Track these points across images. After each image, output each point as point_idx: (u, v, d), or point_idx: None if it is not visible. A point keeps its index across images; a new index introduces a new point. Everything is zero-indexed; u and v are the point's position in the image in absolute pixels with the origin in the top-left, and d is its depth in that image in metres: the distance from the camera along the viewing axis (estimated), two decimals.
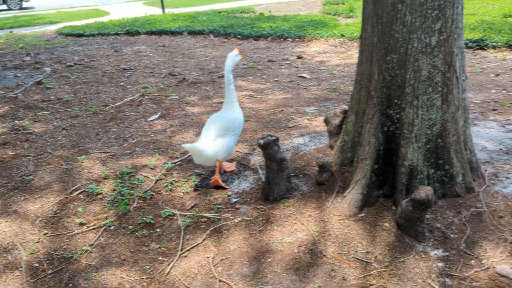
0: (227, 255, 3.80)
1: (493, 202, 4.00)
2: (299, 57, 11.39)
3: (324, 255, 3.68)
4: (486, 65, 9.07)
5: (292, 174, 4.71)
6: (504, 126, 5.77)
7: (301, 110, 7.21)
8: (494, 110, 6.47)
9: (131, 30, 16.83)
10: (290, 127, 6.36)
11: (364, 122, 4.06)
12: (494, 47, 10.09)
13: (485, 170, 4.52)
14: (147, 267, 3.71)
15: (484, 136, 5.50)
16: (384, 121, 3.95)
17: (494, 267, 3.41)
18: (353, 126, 4.26)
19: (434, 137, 3.90)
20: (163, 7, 23.53)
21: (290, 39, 13.83)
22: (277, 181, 4.32)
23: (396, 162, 3.97)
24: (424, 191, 3.52)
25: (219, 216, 4.28)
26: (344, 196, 4.12)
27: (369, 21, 3.90)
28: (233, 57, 4.79)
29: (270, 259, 3.71)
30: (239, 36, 14.85)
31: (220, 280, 3.53)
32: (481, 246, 3.61)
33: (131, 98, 8.19)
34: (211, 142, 4.54)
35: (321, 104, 7.45)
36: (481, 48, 10.26)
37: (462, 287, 3.28)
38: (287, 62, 11.00)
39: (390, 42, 3.74)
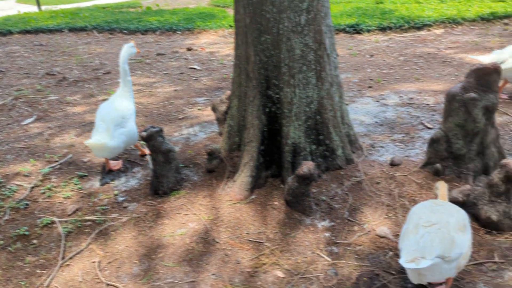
0: (115, 256, 3.56)
1: (371, 170, 4.27)
2: (189, 49, 11.21)
3: (217, 242, 3.62)
4: (362, 47, 9.74)
5: (182, 165, 4.58)
6: (378, 101, 6.22)
7: (192, 101, 7.07)
8: (370, 87, 6.95)
9: (2, 30, 15.20)
10: (180, 119, 6.20)
11: (246, 105, 4.07)
12: (368, 31, 10.87)
13: (363, 142, 4.81)
14: (23, 283, 3.33)
15: (362, 111, 5.88)
16: (265, 102, 3.99)
17: (374, 230, 3.64)
18: (237, 110, 4.25)
19: (312, 114, 4.03)
20: (38, 4, 21.63)
21: (179, 32, 13.56)
22: (165, 173, 4.15)
23: (280, 141, 4.05)
24: (307, 166, 3.63)
25: (105, 217, 4.00)
26: (235, 181, 4.10)
27: (240, 2, 3.89)
28: (128, 48, 4.64)
29: (162, 254, 3.55)
30: (125, 31, 14.18)
31: (108, 284, 3.29)
32: (362, 212, 3.83)
33: (2, 102, 7.37)
34: (112, 133, 4.34)
35: (212, 94, 7.39)
36: (357, 32, 11.01)
37: (347, 253, 3.45)
38: (177, 54, 10.76)
39: (262, 23, 3.78)
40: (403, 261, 2.57)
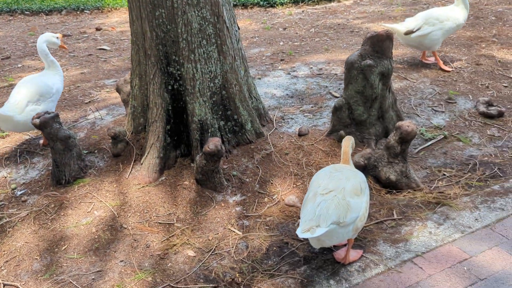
0: (13, 254, 3.31)
1: (280, 142, 4.32)
2: (98, 29, 10.57)
3: (125, 228, 3.49)
4: (276, 20, 9.78)
5: (86, 152, 4.33)
6: (289, 74, 6.29)
7: (100, 83, 6.70)
8: (282, 60, 7.01)
9: None
10: (86, 103, 5.85)
11: (147, 83, 3.90)
12: (282, 4, 10.92)
13: (274, 115, 4.85)
14: None
15: (274, 84, 5.91)
16: (167, 80, 3.85)
17: (283, 200, 3.71)
18: (139, 90, 4.07)
19: (217, 89, 3.97)
20: None
21: (87, 11, 12.72)
22: (66, 161, 3.90)
23: (187, 119, 3.95)
24: (213, 143, 3.58)
25: (1, 214, 3.70)
26: (142, 163, 3.96)
27: None
28: (50, 36, 4.57)
29: (66, 246, 3.36)
30: (27, 12, 13.04)
31: (4, 285, 3.06)
32: (272, 183, 3.88)
33: None
34: (22, 108, 4.19)
35: (122, 75, 7.04)
36: (272, 6, 11.02)
37: (257, 224, 3.49)
38: (85, 35, 10.10)
39: None
40: (299, 232, 2.63)
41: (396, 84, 5.55)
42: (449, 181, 3.82)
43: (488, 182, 3.77)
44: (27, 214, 3.67)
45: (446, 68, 5.78)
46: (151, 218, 3.57)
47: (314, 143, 4.27)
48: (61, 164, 3.90)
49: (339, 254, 3.10)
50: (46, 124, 3.74)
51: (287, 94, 5.59)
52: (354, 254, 3.09)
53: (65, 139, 3.84)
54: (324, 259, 3.12)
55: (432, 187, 3.76)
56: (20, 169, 4.31)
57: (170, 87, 3.87)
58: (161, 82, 3.80)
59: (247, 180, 3.93)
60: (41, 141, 4.68)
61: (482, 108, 4.73)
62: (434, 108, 4.96)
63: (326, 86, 5.75)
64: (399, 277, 2.90)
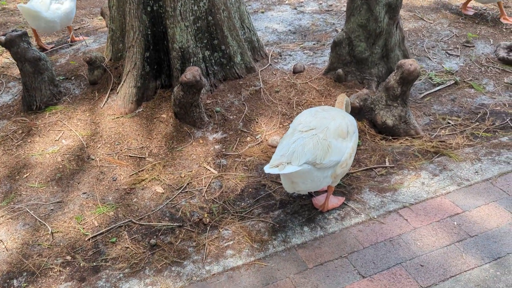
0: None
1: (272, 79, 3.95)
2: None
3: (93, 159, 3.25)
4: None
5: (62, 78, 4.03)
6: (296, 9, 5.78)
7: (94, 11, 6.30)
8: None
9: None
10: (76, 30, 5.49)
11: (125, 3, 3.50)
12: None
13: (271, 50, 4.44)
14: None
15: (277, 19, 5.43)
16: (146, 0, 3.44)
17: (267, 140, 3.40)
18: (117, 11, 3.68)
19: (202, 14, 3.56)
20: None
21: None
22: (37, 86, 3.62)
23: (167, 46, 3.58)
24: (191, 72, 3.23)
25: None
26: (118, 92, 3.65)
27: None
28: None
29: (27, 174, 3.15)
30: None
31: None
32: (257, 122, 3.55)
33: None
34: (48, 5, 4.38)
35: None
36: None
37: (235, 164, 3.20)
38: None
39: None
40: (267, 167, 2.32)
41: (410, 24, 5.03)
42: (453, 130, 3.44)
43: (496, 133, 3.37)
44: None
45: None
46: (122, 150, 3.32)
47: (308, 82, 3.88)
48: (31, 88, 3.62)
49: (318, 200, 2.81)
50: (13, 43, 3.43)
51: (290, 30, 5.13)
52: (334, 201, 2.80)
53: (34, 60, 3.53)
54: (302, 204, 2.84)
55: (433, 136, 3.39)
56: None
57: (149, 8, 3.48)
58: (138, 2, 3.40)
59: (231, 117, 3.60)
60: (69, 39, 4.94)
61: (502, 53, 4.23)
62: (448, 51, 4.47)
63: (333, 23, 5.25)
64: (380, 228, 2.62)
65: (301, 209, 2.81)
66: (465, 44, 4.55)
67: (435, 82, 3.98)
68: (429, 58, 4.36)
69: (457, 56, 4.38)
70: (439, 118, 3.59)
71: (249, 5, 5.96)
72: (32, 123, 3.56)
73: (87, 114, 3.62)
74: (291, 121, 3.52)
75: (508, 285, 2.23)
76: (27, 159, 3.26)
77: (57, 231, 2.73)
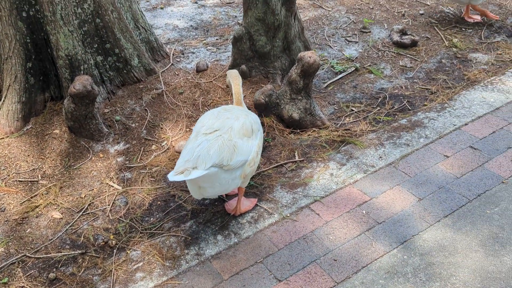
0: None
1: (174, 80, 3.77)
2: None
3: None
4: None
5: None
6: (196, 2, 5.59)
7: None
8: None
9: None
10: None
11: None
12: None
13: (172, 49, 4.23)
14: None
15: (177, 15, 5.22)
16: (19, 4, 3.07)
17: (173, 146, 3.23)
18: None
19: (88, 16, 3.27)
20: None
21: None
22: None
23: (52, 54, 3.25)
24: (80, 82, 2.95)
25: None
26: (0, 109, 3.26)
27: None
28: None
29: None
30: None
31: None
32: (161, 128, 3.37)
33: None
34: None
35: None
36: None
37: (141, 176, 3.00)
38: None
39: None
40: (171, 174, 2.18)
41: (310, 13, 5.08)
42: (357, 117, 3.52)
43: (396, 116, 3.51)
44: None
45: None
46: (9, 175, 2.97)
47: (213, 80, 3.75)
48: None
49: (230, 205, 2.72)
50: None
51: (191, 26, 4.95)
52: (247, 203, 2.73)
53: None
54: (214, 212, 2.73)
55: (339, 125, 3.44)
56: None
57: (24, 14, 3.11)
58: (11, 7, 3.02)
59: (133, 125, 3.38)
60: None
61: (395, 37, 4.42)
62: (347, 38, 4.58)
63: (235, 16, 5.16)
64: (293, 227, 2.59)
65: (213, 216, 2.70)
66: (362, 30, 4.70)
67: (337, 70, 4.05)
68: (330, 46, 4.44)
69: (356, 42, 4.50)
70: (343, 106, 3.66)
71: (148, 0, 5.67)
72: None
73: None
74: (194, 123, 3.37)
75: (415, 267, 2.31)
76: None
77: None
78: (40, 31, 3.20)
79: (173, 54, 4.17)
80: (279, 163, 3.08)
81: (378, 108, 3.62)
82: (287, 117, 3.36)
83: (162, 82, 3.68)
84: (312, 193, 2.81)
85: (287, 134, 3.38)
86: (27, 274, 2.39)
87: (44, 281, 2.36)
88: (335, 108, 3.66)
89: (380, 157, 3.08)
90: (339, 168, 3.01)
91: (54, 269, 2.42)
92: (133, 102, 3.55)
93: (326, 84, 3.91)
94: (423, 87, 3.82)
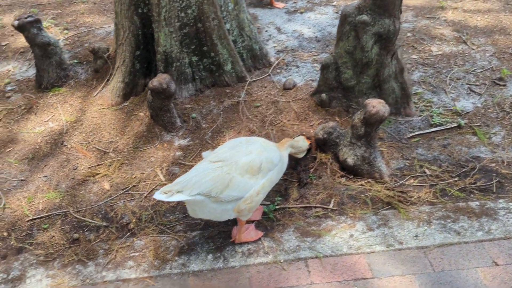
0: None
1: (259, 92, 3.89)
2: None
3: (65, 145, 3.57)
4: None
5: (76, 61, 4.40)
6: (338, 12, 5.49)
7: None
8: None
9: None
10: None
11: (115, 3, 3.68)
12: None
13: (280, 58, 4.33)
14: None
15: (310, 22, 5.23)
16: (136, 2, 3.58)
17: None
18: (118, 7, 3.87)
19: (191, 20, 3.60)
20: None
21: None
22: (45, 68, 4.02)
23: (154, 48, 3.71)
24: (158, 79, 3.33)
25: None
26: (108, 85, 3.90)
27: None
28: None
29: (10, 149, 3.57)
30: None
31: None
32: (224, 136, 3.57)
33: None
34: None
35: None
36: None
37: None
38: None
39: None
40: (157, 193, 2.38)
41: (447, 47, 4.53)
42: (424, 182, 3.12)
43: (472, 195, 3.00)
44: (1, 111, 3.94)
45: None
46: (92, 142, 3.59)
47: (291, 101, 3.76)
48: (41, 70, 4.03)
49: (235, 231, 2.81)
50: (24, 28, 3.82)
51: (316, 37, 4.93)
52: (252, 234, 2.78)
53: (43, 45, 3.91)
54: (222, 231, 2.86)
55: (398, 184, 3.12)
56: (24, 66, 4.58)
57: (140, 10, 3.62)
58: (129, 4, 3.56)
59: (204, 125, 3.67)
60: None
61: None
62: (472, 86, 3.97)
63: None
64: (278, 274, 2.55)
65: (218, 235, 2.84)
66: (496, 81, 4.00)
67: (433, 122, 3.60)
68: (445, 92, 3.93)
69: (480, 94, 3.88)
70: (416, 164, 3.27)
71: (295, 2, 5.79)
72: (34, 101, 3.98)
73: (79, 101, 3.94)
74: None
75: None
76: (17, 134, 3.69)
77: (9, 207, 3.10)
78: (149, 27, 3.68)
79: (277, 64, 4.28)
80: (308, 205, 3.00)
81: (457, 178, 3.13)
82: (342, 160, 3.20)
83: (244, 92, 3.85)
84: (319, 248, 2.69)
85: (337, 177, 3.22)
86: (61, 228, 2.94)
87: (69, 238, 2.87)
88: (407, 164, 3.30)
89: (416, 236, 2.72)
90: (364, 232, 2.77)
91: (81, 231, 2.92)
92: (214, 104, 3.82)
93: (411, 134, 3.53)
94: None
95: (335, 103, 3.63)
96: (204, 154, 2.74)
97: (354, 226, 2.82)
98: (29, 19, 3.81)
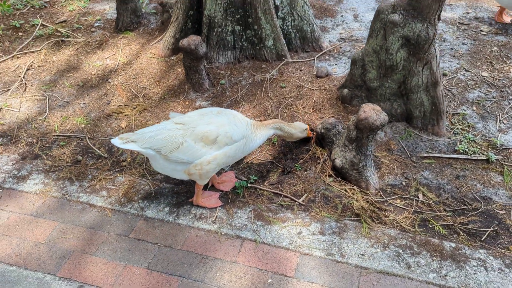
0: (45, 64, 4.34)
1: (291, 73, 3.86)
2: None
3: (109, 82, 4.04)
4: None
5: (153, 11, 4.83)
6: None
7: None
8: None
9: None
10: None
11: None
12: None
13: (337, 44, 4.21)
14: None
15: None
16: None
17: None
18: None
19: None
20: None
21: None
22: (121, 12, 4.52)
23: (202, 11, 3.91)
24: (188, 40, 3.55)
25: (72, 34, 4.72)
26: (162, 37, 4.25)
27: None
28: None
29: (71, 74, 4.18)
30: None
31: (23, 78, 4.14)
32: (239, 106, 3.67)
33: None
34: None
35: None
36: None
37: None
38: None
39: None
40: (117, 137, 2.62)
41: None
42: (409, 206, 2.87)
43: (455, 236, 2.68)
44: (81, 42, 4.59)
45: None
46: (132, 84, 4.00)
47: (316, 89, 3.67)
48: (118, 13, 4.55)
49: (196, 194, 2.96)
50: None
51: None
52: (212, 201, 2.92)
53: None
54: (193, 191, 3.04)
55: (382, 200, 2.92)
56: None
57: None
58: None
59: (228, 93, 3.82)
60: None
61: None
62: None
63: (445, 39, 4.45)
64: (212, 244, 2.67)
65: (185, 193, 3.03)
66: None
67: (459, 149, 3.21)
68: (496, 120, 3.43)
69: None
70: (414, 186, 3.01)
71: None
72: (107, 39, 4.54)
73: (138, 47, 4.37)
74: (266, 117, 3.52)
75: None
76: (81, 63, 4.29)
77: (48, 121, 3.71)
78: None
79: (329, 51, 4.17)
80: (280, 192, 3.00)
81: (450, 214, 2.82)
82: (332, 160, 3.10)
83: (276, 70, 3.86)
84: (262, 234, 2.72)
85: (325, 176, 3.13)
86: (73, 148, 3.44)
87: (74, 158, 3.34)
88: (403, 183, 3.05)
89: (362, 255, 2.57)
90: (314, 234, 2.71)
91: (85, 156, 3.37)
92: (247, 75, 3.92)
93: (426, 155, 3.21)
94: None
95: (356, 101, 3.45)
96: (171, 114, 2.91)
97: (308, 225, 2.77)
98: None
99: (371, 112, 2.73)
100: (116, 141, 2.61)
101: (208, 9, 3.78)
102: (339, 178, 3.08)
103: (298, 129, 3.03)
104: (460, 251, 2.58)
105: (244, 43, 3.93)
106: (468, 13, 4.91)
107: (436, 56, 3.08)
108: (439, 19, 2.90)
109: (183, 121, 2.69)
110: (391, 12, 2.99)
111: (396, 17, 2.93)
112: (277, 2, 3.83)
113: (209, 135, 2.63)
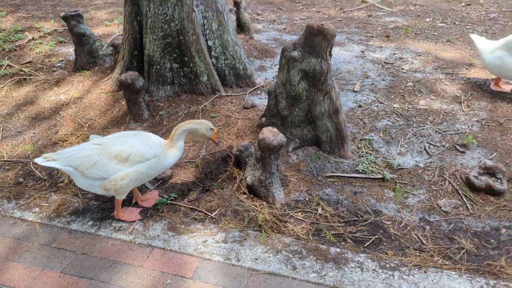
0: (5, 99, 4.77)
1: (222, 105, 4.29)
2: None
3: (60, 114, 4.46)
4: None
5: (110, 53, 5.34)
6: (363, 52, 5.54)
7: None
8: (387, 36, 6.08)
9: None
10: None
11: (124, 11, 4.46)
12: None
13: (265, 81, 4.67)
14: None
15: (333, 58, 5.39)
16: (136, 10, 4.31)
17: None
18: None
19: (174, 33, 4.20)
20: None
21: None
22: (78, 53, 5.02)
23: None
24: (125, 75, 4.01)
25: (35, 73, 5.19)
26: (112, 75, 4.72)
27: None
28: None
29: (26, 108, 4.61)
30: None
31: None
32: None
33: None
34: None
35: None
36: None
37: None
38: None
39: None
40: (40, 157, 2.99)
41: (439, 104, 4.34)
42: (308, 218, 3.20)
43: (343, 243, 3.00)
44: (42, 79, 5.05)
45: None
46: (79, 116, 4.42)
47: (241, 119, 4.09)
48: (76, 54, 5.05)
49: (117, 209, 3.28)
50: (66, 19, 4.86)
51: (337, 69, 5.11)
52: (132, 216, 3.24)
53: (78, 35, 4.91)
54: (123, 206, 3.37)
55: (286, 213, 3.26)
56: None
57: (138, 18, 4.35)
58: (131, 11, 4.31)
59: (165, 122, 4.23)
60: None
61: (473, 173, 3.38)
62: (430, 146, 3.80)
63: (369, 76, 4.94)
64: (124, 252, 2.97)
65: (111, 209, 3.36)
66: (458, 146, 3.76)
67: (359, 169, 3.59)
68: (398, 145, 3.84)
69: (430, 155, 3.71)
70: (315, 201, 3.36)
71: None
72: (64, 77, 5.01)
73: (90, 83, 4.84)
74: (194, 142, 3.91)
75: None
76: (37, 98, 4.73)
77: None
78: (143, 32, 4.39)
79: (262, 86, 4.63)
80: (196, 208, 3.33)
81: (343, 224, 3.15)
82: (244, 178, 3.46)
83: (209, 102, 4.30)
84: (171, 242, 3.03)
85: (239, 193, 3.48)
86: (17, 172, 3.78)
87: (16, 180, 3.69)
88: (307, 198, 3.40)
89: (256, 259, 2.88)
90: (217, 242, 3.03)
91: (27, 178, 3.71)
92: (183, 107, 4.36)
93: (330, 174, 3.58)
94: (437, 243, 3.00)
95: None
96: (91, 136, 3.30)
97: (214, 235, 3.09)
98: (72, 13, 4.83)
99: (269, 133, 3.13)
100: (39, 160, 2.98)
101: (147, 48, 4.28)
102: (252, 195, 3.43)
103: (204, 125, 3.25)
104: (342, 255, 2.90)
105: (182, 78, 4.40)
106: (394, 53, 5.44)
107: (334, 87, 3.53)
108: (330, 55, 3.37)
109: (100, 142, 3.07)
110: (292, 49, 3.46)
111: (295, 53, 3.41)
112: (210, 43, 4.33)
113: (123, 154, 3.00)
